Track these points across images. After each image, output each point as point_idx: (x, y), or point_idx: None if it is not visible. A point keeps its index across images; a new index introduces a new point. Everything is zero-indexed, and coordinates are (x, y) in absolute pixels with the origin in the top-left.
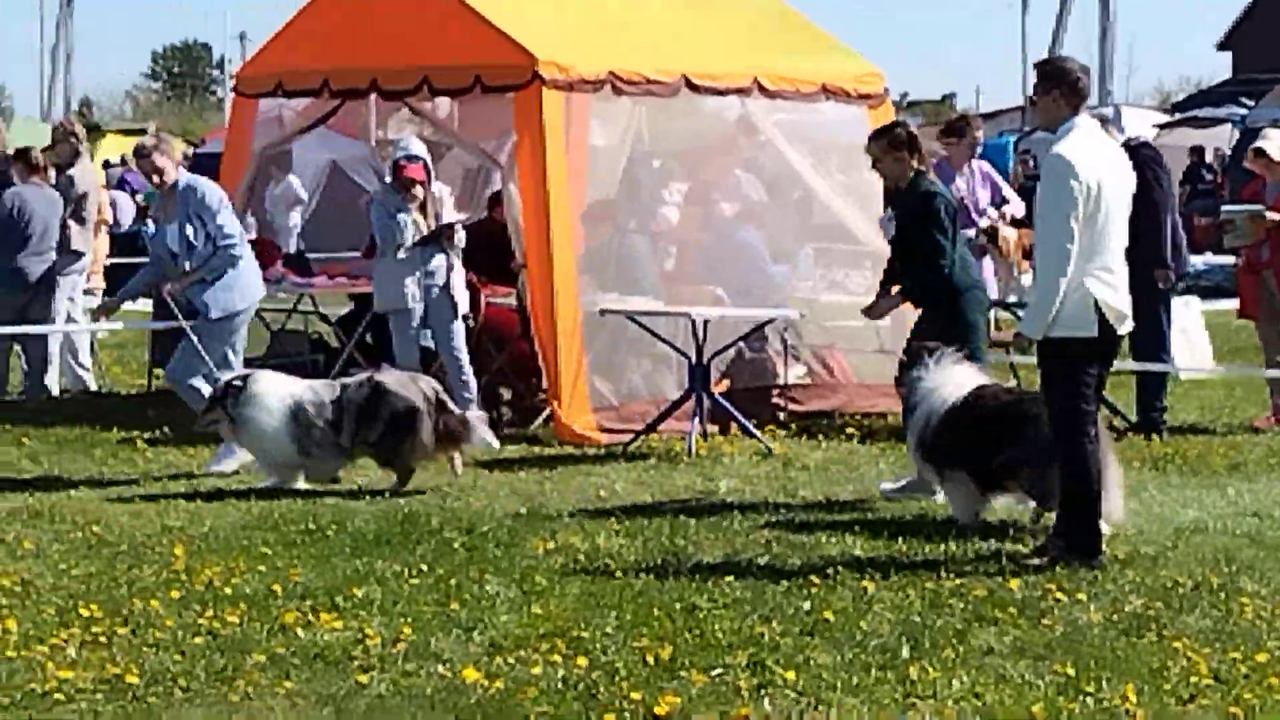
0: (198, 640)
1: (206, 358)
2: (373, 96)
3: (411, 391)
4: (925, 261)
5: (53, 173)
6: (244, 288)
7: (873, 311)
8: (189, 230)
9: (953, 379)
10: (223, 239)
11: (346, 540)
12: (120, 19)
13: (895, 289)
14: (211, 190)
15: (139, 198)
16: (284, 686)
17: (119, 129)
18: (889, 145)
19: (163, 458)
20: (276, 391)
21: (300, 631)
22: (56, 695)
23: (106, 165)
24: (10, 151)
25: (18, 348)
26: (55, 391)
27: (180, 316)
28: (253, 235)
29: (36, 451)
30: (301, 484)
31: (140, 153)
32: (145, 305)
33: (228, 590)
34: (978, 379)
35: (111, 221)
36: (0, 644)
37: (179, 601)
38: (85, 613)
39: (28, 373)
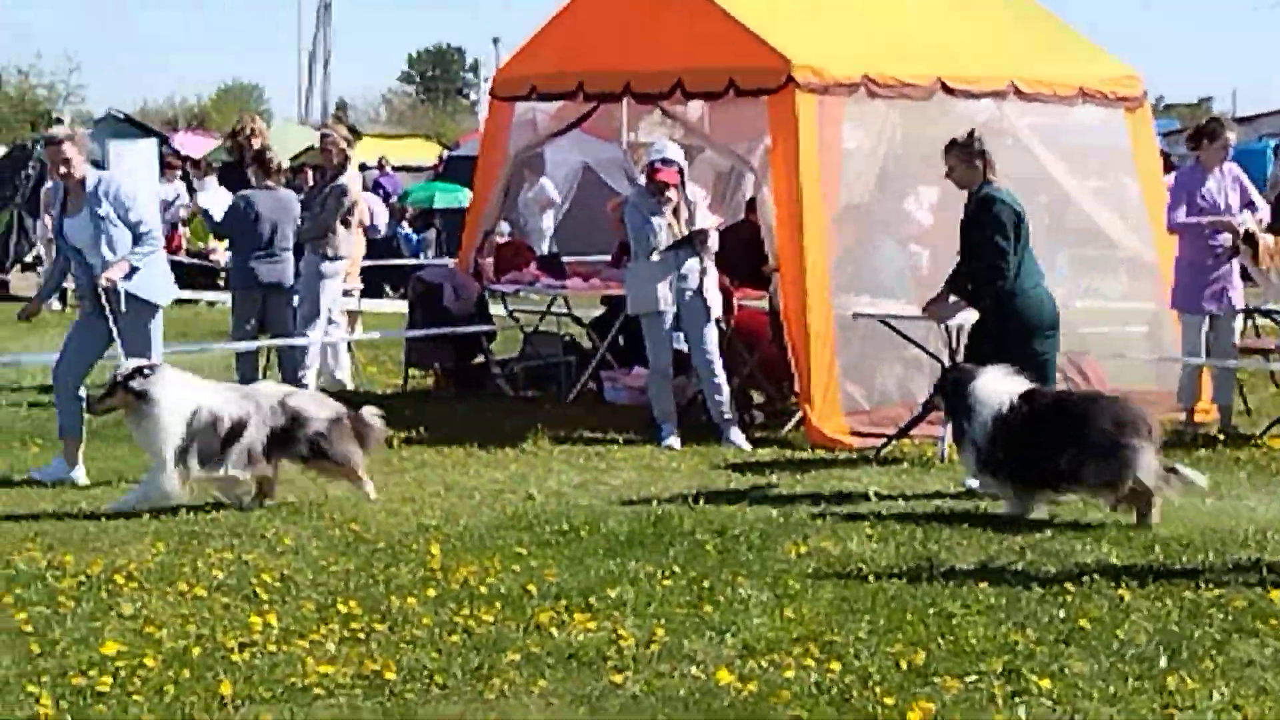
0: (454, 638)
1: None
2: (625, 99)
3: (327, 407)
4: (985, 264)
5: (310, 175)
6: (170, 277)
7: (929, 310)
8: (102, 224)
9: (1000, 388)
10: (144, 228)
11: (600, 541)
12: (376, 23)
13: (953, 297)
14: (125, 184)
15: (393, 200)
16: (538, 685)
17: (375, 133)
18: (965, 154)
19: (418, 456)
20: (184, 390)
21: (555, 631)
22: (316, 690)
23: (363, 168)
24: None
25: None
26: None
27: (110, 310)
28: (506, 238)
29: None
30: (184, 496)
31: (51, 140)
32: (398, 307)
33: (483, 589)
34: (1024, 384)
35: (369, 224)
36: (262, 638)
37: (435, 599)
38: (344, 609)
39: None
